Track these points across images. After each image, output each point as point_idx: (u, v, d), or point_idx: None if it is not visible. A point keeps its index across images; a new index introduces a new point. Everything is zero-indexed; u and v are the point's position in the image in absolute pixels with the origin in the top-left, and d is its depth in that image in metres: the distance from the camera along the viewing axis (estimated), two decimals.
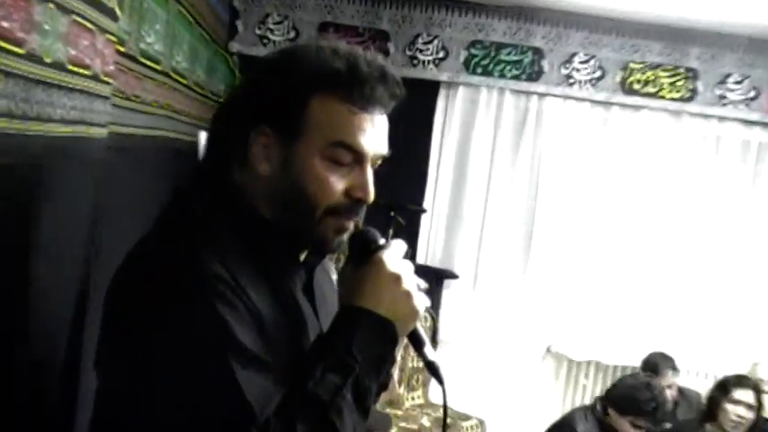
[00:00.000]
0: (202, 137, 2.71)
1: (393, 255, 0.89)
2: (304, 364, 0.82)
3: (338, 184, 0.88)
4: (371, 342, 0.84)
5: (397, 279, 0.86)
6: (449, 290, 3.66)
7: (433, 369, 0.90)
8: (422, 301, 0.88)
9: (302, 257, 0.94)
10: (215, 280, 0.77)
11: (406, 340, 0.89)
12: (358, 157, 0.89)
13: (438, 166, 3.84)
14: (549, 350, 3.73)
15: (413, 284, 0.88)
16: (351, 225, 0.91)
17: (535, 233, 3.75)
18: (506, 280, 3.77)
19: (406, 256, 0.90)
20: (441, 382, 0.89)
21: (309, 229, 0.88)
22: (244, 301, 0.80)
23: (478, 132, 3.80)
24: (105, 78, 1.49)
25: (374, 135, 0.90)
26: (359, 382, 0.82)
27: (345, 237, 0.91)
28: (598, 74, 3.66)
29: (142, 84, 2.02)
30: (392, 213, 3.20)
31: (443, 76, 3.67)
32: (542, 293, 3.73)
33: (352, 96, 0.87)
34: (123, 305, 0.80)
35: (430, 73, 3.70)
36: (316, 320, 0.93)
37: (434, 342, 3.20)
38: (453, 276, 3.60)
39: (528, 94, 3.74)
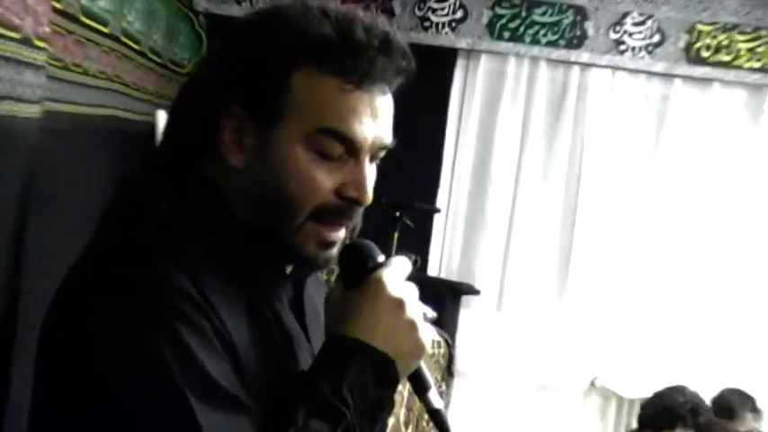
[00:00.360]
0: (161, 117, 2.70)
1: (394, 275, 0.88)
2: (283, 405, 0.81)
3: (326, 180, 0.88)
4: (366, 383, 0.83)
5: (399, 305, 0.86)
6: (468, 309, 3.67)
7: (438, 420, 0.90)
8: (428, 334, 0.88)
9: (288, 268, 0.95)
10: (179, 297, 0.78)
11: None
12: (352, 148, 0.89)
13: (455, 157, 3.85)
14: (593, 385, 3.76)
15: (418, 313, 0.88)
16: (339, 235, 0.92)
17: (576, 240, 3.78)
18: (539, 297, 3.77)
19: (409, 277, 0.90)
20: None
21: (289, 238, 0.89)
22: (214, 324, 0.80)
23: (505, 114, 3.80)
24: (38, 43, 1.51)
25: (373, 120, 0.89)
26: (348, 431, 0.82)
27: (334, 251, 0.92)
28: (656, 38, 3.68)
29: (85, 50, 2.01)
30: (398, 214, 3.18)
31: (462, 43, 3.72)
32: (585, 314, 3.75)
33: (344, 70, 0.86)
34: (62, 341, 0.80)
35: (445, 39, 3.72)
36: (307, 343, 0.94)
37: (450, 373, 3.20)
38: (474, 292, 3.61)
39: (567, 64, 3.76)
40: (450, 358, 3.23)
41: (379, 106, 0.89)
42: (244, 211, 0.89)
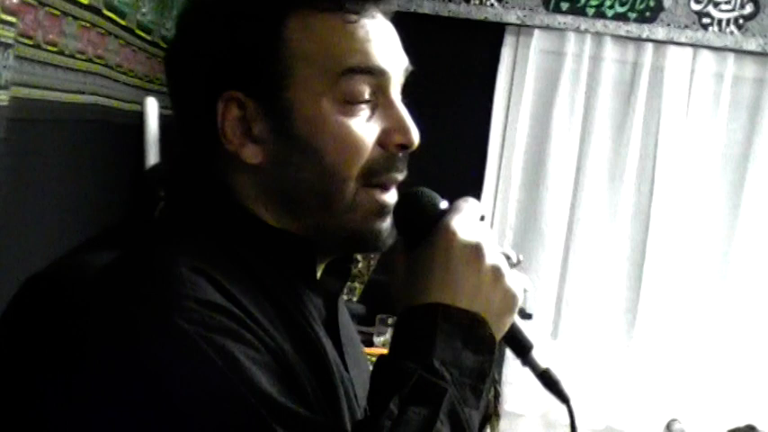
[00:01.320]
0: (150, 104, 2.72)
1: (465, 218, 0.89)
2: (369, 399, 0.83)
3: (367, 131, 0.90)
4: (459, 351, 0.84)
5: (476, 253, 0.87)
6: None
7: (550, 382, 0.91)
8: (517, 281, 0.89)
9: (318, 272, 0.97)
10: (216, 311, 0.79)
11: None
12: (381, 84, 0.92)
13: (501, 154, 3.83)
14: (669, 429, 3.73)
15: (500, 257, 0.89)
16: (394, 196, 0.93)
17: (649, 256, 3.76)
18: (603, 324, 3.75)
19: (482, 219, 0.92)
20: (564, 399, 0.91)
21: (341, 219, 0.91)
22: (260, 337, 0.81)
23: (563, 103, 3.77)
24: (5, 17, 1.48)
25: (390, 45, 0.92)
26: (455, 410, 0.81)
27: (390, 220, 0.93)
28: (749, 9, 3.67)
29: (61, 25, 1.99)
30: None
31: (511, 17, 3.73)
32: (660, 347, 3.72)
33: (339, 2, 0.90)
34: (56, 364, 0.79)
35: (490, 12, 3.71)
36: (343, 369, 0.94)
37: (496, 415, 3.05)
38: (525, 316, 3.24)
39: (639, 42, 3.76)
40: (496, 396, 3.15)
41: (388, 31, 0.93)
42: (269, 214, 0.91)
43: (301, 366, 0.84)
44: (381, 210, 0.92)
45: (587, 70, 3.78)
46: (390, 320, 2.92)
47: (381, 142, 0.91)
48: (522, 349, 0.92)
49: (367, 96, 0.90)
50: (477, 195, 3.81)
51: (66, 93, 2.11)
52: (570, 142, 3.81)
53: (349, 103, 0.89)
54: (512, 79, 3.83)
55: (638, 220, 3.80)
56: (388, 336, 2.84)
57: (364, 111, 0.90)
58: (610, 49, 3.77)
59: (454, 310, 0.85)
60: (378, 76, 0.91)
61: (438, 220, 0.89)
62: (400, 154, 0.93)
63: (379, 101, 0.92)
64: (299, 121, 0.89)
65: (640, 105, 3.77)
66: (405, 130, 0.92)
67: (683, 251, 3.77)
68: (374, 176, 0.91)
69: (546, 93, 3.81)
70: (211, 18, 0.91)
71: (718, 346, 3.73)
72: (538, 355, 0.91)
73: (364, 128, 0.90)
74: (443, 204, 0.92)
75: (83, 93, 2.22)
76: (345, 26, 0.89)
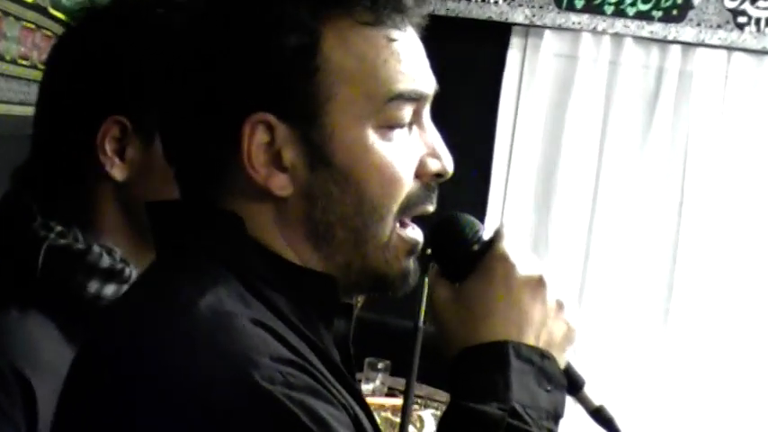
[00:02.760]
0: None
1: (519, 248, 0.95)
2: None
3: (408, 162, 0.93)
4: (534, 390, 0.90)
5: (539, 285, 0.94)
6: None
7: (604, 419, 0.97)
8: (575, 315, 0.95)
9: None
10: (292, 367, 0.82)
11: None
12: (418, 107, 0.95)
13: (509, 169, 3.83)
14: None
15: (561, 289, 0.95)
16: (420, 231, 0.97)
17: (677, 283, 3.75)
18: (628, 361, 3.75)
19: None
20: None
21: (377, 259, 0.93)
22: (331, 392, 0.84)
23: (577, 111, 3.75)
24: None
25: (425, 63, 0.96)
26: None
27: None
28: None
29: (0, 27, 1.99)
30: (427, 252, 2.96)
31: (518, 16, 3.72)
32: (694, 379, 3.72)
33: (380, 14, 0.91)
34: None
35: (494, 10, 3.71)
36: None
37: None
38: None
39: (664, 43, 3.75)
40: None
41: (420, 47, 0.95)
42: (294, 252, 0.92)
43: (359, 420, 0.87)
44: (413, 248, 0.95)
45: (605, 76, 3.75)
46: (381, 365, 2.87)
47: (417, 172, 0.94)
48: (575, 384, 0.96)
49: (407, 121, 0.93)
50: (482, 212, 3.77)
51: (7, 104, 2.08)
52: (586, 158, 3.78)
53: (389, 129, 0.91)
54: (519, 87, 3.80)
55: (663, 245, 3.77)
56: (378, 382, 2.79)
57: (403, 137, 0.93)
58: (631, 53, 3.74)
59: (524, 348, 0.90)
60: (420, 101, 0.94)
61: (486, 250, 0.95)
62: (432, 187, 0.95)
63: (414, 125, 0.94)
64: (339, 149, 0.90)
65: (666, 116, 3.74)
66: (443, 155, 0.94)
67: (715, 284, 3.74)
68: (410, 210, 0.94)
69: (558, 102, 3.79)
70: (233, 28, 0.90)
71: (754, 348, 3.76)
72: (590, 390, 0.97)
73: (406, 157, 0.92)
74: (482, 229, 0.97)
75: (26, 104, 2.18)
76: (389, 45, 0.91)
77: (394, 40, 0.91)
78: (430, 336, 1.03)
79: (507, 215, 3.86)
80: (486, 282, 0.93)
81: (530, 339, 0.91)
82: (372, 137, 0.90)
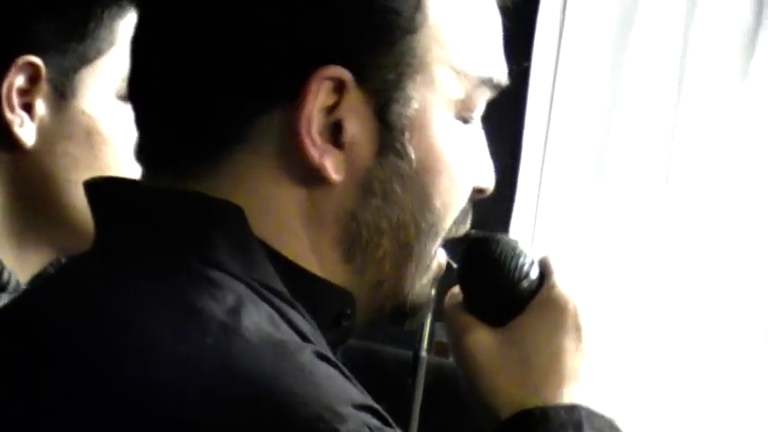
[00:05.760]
0: None
1: (571, 279, 1.03)
2: None
3: (475, 169, 1.02)
4: None
5: (599, 338, 1.02)
6: None
7: None
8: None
9: None
10: (368, 413, 0.85)
11: None
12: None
13: (546, 141, 3.74)
14: None
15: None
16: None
17: None
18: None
19: None
20: None
21: (409, 283, 1.01)
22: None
23: (642, 56, 3.61)
24: None
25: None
26: None
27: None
28: None
29: None
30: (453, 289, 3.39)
31: None
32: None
33: None
34: None
35: None
36: None
37: None
38: None
39: None
40: None
41: None
42: (315, 258, 0.97)
43: None
44: (437, 276, 1.03)
45: (684, 3, 3.60)
46: None
47: None
48: None
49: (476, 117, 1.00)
50: (508, 207, 3.72)
51: None
52: (655, 121, 3.61)
53: (464, 122, 0.98)
54: (561, 23, 3.66)
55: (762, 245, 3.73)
56: None
57: (472, 135, 0.99)
58: None
59: (596, 416, 0.96)
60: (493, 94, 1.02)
61: (536, 289, 1.03)
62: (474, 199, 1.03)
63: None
64: (418, 136, 0.95)
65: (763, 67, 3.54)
66: (491, 171, 1.03)
67: None
68: (450, 231, 1.01)
69: (615, 44, 3.64)
70: None
71: None
72: None
73: (474, 161, 1.00)
74: (529, 258, 1.04)
75: None
76: (489, 14, 0.98)
77: (492, 15, 0.98)
78: (435, 368, 1.14)
79: (541, 211, 3.85)
80: (545, 329, 1.00)
81: (592, 401, 0.98)
82: (455, 128, 0.96)
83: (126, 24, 1.27)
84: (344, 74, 0.91)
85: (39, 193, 1.16)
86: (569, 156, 3.85)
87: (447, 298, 1.05)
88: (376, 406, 0.86)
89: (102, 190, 0.98)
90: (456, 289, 1.06)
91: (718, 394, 3.98)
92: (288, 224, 0.95)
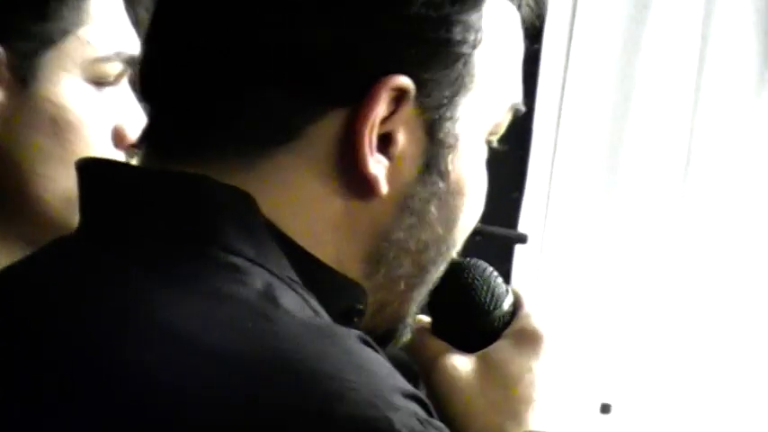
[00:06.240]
0: None
1: (543, 309, 1.09)
2: None
3: None
4: None
5: (566, 359, 1.07)
6: None
7: None
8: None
9: None
10: (417, 403, 0.87)
11: None
12: None
13: (556, 136, 3.75)
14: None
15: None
16: None
17: None
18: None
19: None
20: None
21: (412, 304, 1.05)
22: None
23: (658, 44, 3.62)
24: None
25: None
26: None
27: None
28: None
29: None
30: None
31: None
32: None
33: None
34: None
35: None
36: None
37: None
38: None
39: None
40: None
41: None
42: (356, 269, 0.99)
43: None
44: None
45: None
46: None
47: None
48: None
49: None
50: (516, 204, 3.76)
51: None
52: (673, 115, 3.64)
53: (487, 145, 1.01)
54: (574, 8, 3.70)
55: None
56: None
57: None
58: None
59: None
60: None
61: (510, 318, 1.08)
62: None
63: None
64: (461, 157, 0.97)
65: None
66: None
67: None
68: None
69: (629, 30, 3.67)
70: None
71: None
72: None
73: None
74: (505, 290, 1.09)
75: None
76: (519, 42, 1.01)
77: (519, 34, 1.01)
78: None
79: (552, 207, 3.88)
80: (524, 356, 1.04)
81: (558, 426, 1.04)
82: (482, 152, 0.99)
83: (100, 2, 1.23)
84: (409, 85, 0.93)
85: (5, 187, 1.15)
86: (580, 155, 3.93)
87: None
88: (422, 396, 0.88)
89: (98, 171, 0.98)
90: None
91: (735, 395, 4.08)
92: (317, 231, 0.96)
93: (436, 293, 1.06)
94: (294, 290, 0.93)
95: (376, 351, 0.88)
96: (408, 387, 0.87)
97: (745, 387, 4.09)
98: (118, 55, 1.25)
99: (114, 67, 1.23)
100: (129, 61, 1.26)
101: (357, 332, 0.89)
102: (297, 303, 0.91)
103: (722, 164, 3.85)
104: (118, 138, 1.24)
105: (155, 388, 0.85)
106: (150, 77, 0.98)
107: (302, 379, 0.84)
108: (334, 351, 0.86)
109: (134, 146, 1.10)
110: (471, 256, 1.13)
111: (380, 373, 0.87)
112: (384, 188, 0.94)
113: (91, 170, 0.97)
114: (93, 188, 0.96)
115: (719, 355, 4.04)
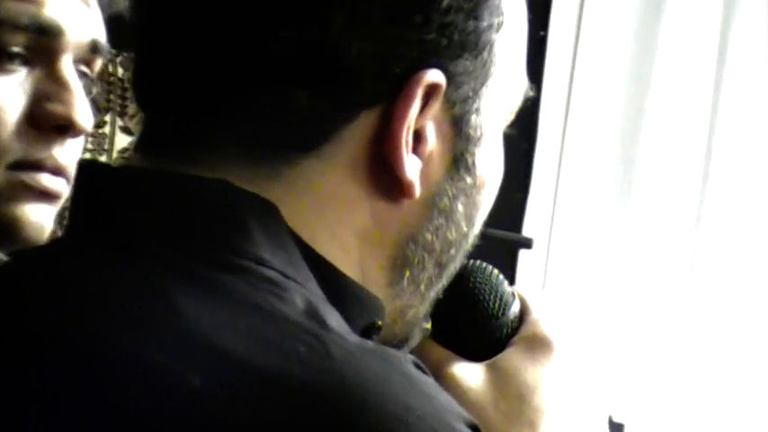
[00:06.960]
0: None
1: (555, 313, 1.07)
2: None
3: None
4: None
5: (580, 366, 1.06)
6: None
7: None
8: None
9: None
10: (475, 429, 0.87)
11: None
12: None
13: (564, 131, 3.74)
14: None
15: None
16: None
17: None
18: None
19: None
20: None
21: (421, 309, 1.03)
22: None
23: (674, 43, 3.59)
24: None
25: None
26: None
27: None
28: None
29: None
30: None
31: None
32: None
33: None
34: None
35: None
36: None
37: None
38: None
39: None
40: None
41: None
42: (378, 278, 0.99)
43: None
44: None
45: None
46: None
47: None
48: None
49: None
50: (521, 207, 3.76)
51: None
52: (692, 116, 3.60)
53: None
54: (581, 4, 3.66)
55: None
56: None
57: None
58: None
59: None
60: None
61: (517, 324, 1.06)
62: None
63: None
64: (484, 152, 0.97)
65: None
66: None
67: None
68: None
69: (642, 29, 3.63)
70: None
71: None
72: None
73: None
74: (509, 290, 1.07)
75: None
76: (526, 28, 1.00)
77: (525, 22, 1.00)
78: None
79: (558, 210, 3.88)
80: (537, 365, 1.03)
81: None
82: (500, 142, 0.99)
83: None
84: (442, 80, 0.91)
85: None
86: (590, 150, 3.92)
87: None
88: (478, 424, 0.86)
89: (98, 172, 0.98)
90: None
91: (748, 404, 4.08)
92: (342, 242, 0.95)
93: (442, 312, 1.06)
94: (332, 309, 0.92)
95: (427, 375, 0.87)
96: (468, 415, 0.86)
97: (759, 399, 4.11)
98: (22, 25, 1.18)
99: (16, 39, 1.18)
100: (39, 30, 1.18)
101: (410, 356, 0.88)
102: (342, 324, 0.89)
103: (744, 163, 3.82)
104: (37, 121, 1.20)
105: (200, 406, 0.81)
106: (150, 77, 0.96)
107: (368, 407, 0.82)
108: (396, 377, 0.84)
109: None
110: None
111: (441, 400, 0.85)
112: (419, 191, 0.93)
113: (91, 171, 0.96)
114: (93, 189, 0.95)
115: (730, 359, 4.03)
